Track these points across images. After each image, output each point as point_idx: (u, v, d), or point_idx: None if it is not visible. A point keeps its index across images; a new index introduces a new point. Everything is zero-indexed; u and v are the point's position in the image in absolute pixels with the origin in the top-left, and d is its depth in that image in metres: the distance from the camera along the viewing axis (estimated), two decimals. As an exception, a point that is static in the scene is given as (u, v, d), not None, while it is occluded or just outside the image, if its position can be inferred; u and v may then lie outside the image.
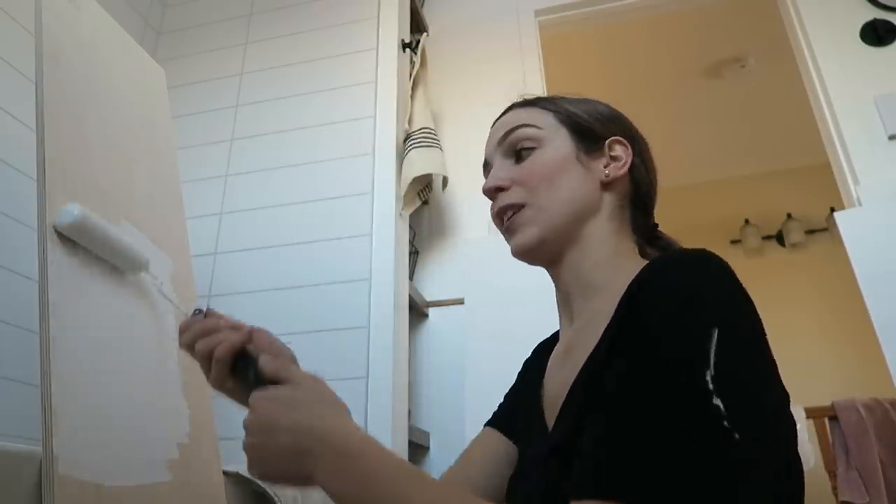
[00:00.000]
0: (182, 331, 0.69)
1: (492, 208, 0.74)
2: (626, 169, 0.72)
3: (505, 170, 0.73)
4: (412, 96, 1.91)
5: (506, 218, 0.72)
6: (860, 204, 1.64)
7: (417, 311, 1.82)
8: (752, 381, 0.50)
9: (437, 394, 1.74)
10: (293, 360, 0.70)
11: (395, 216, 1.67)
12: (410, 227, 1.84)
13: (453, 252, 1.90)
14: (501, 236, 0.74)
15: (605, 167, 0.72)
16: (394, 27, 1.91)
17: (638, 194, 0.75)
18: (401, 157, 1.77)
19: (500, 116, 0.79)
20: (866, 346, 1.76)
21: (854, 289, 1.51)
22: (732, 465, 0.46)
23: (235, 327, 0.68)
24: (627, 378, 0.50)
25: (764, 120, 3.58)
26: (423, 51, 1.99)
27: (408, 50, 1.97)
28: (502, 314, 1.64)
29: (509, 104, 0.80)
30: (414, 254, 1.89)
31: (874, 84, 1.77)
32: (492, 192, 0.73)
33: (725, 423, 0.46)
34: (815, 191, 3.63)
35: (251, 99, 1.92)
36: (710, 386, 0.47)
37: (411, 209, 1.76)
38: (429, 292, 1.87)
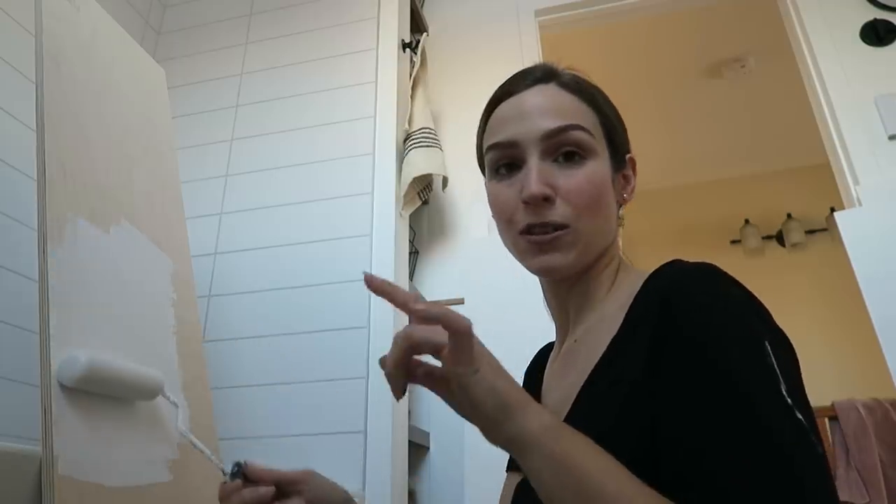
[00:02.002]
0: (222, 498, 0.64)
1: (525, 216, 0.62)
2: (634, 191, 0.68)
3: (551, 175, 0.62)
4: (412, 96, 1.91)
5: (545, 232, 0.61)
6: (860, 204, 1.64)
7: (417, 311, 1.81)
8: (802, 389, 0.49)
9: (437, 394, 1.74)
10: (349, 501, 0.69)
11: (395, 216, 1.66)
12: (410, 227, 1.84)
13: (453, 252, 1.90)
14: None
15: (623, 189, 0.67)
16: (394, 27, 1.91)
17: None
18: (401, 157, 1.76)
19: (535, 83, 0.68)
20: (866, 346, 1.76)
21: (854, 289, 1.51)
22: (826, 475, 0.44)
23: (284, 481, 0.65)
24: (708, 408, 0.47)
25: (764, 120, 3.58)
26: (423, 51, 1.99)
27: (408, 50, 1.97)
28: (502, 314, 1.64)
29: (546, 64, 0.70)
30: (414, 254, 1.88)
31: (874, 84, 1.77)
32: (537, 200, 0.61)
33: (812, 437, 0.45)
34: (815, 191, 3.63)
35: (251, 99, 1.92)
36: (789, 400, 0.45)
37: (411, 209, 1.76)
38: (429, 292, 1.87)
